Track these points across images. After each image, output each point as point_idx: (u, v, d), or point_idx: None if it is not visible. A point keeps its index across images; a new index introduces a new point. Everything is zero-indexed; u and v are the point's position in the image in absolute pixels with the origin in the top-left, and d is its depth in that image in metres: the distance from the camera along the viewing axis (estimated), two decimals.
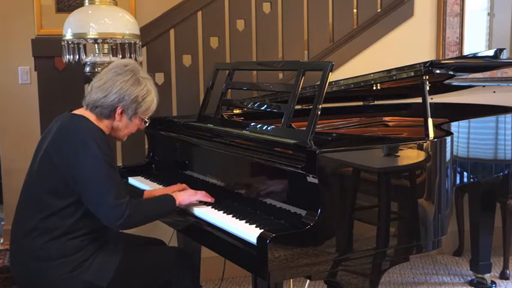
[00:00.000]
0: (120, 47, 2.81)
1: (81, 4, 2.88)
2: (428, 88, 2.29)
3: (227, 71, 2.65)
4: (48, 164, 2.01)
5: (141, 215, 2.04)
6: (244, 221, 1.95)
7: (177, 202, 2.15)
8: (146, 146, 3.09)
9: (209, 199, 2.20)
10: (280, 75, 3.54)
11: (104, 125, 2.09)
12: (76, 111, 2.11)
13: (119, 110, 2.08)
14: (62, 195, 1.99)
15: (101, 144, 1.98)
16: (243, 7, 3.41)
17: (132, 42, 2.81)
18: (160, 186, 2.53)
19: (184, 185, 2.37)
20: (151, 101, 2.15)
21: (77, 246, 2.00)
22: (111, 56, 2.81)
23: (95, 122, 2.06)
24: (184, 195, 2.19)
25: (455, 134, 2.31)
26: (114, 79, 2.06)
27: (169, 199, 2.16)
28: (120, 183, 2.03)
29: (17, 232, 2.07)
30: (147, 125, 2.21)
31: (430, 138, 2.13)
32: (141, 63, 3.04)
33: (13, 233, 2.10)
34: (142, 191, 2.44)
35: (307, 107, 2.85)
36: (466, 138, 2.68)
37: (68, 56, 2.75)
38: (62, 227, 1.99)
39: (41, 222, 2.00)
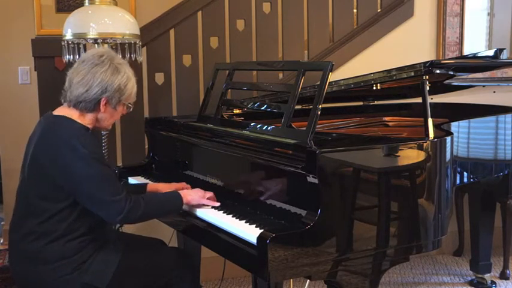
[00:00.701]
0: (120, 47, 2.81)
1: (81, 4, 2.87)
2: (428, 88, 2.29)
3: (227, 71, 2.65)
4: (38, 170, 1.99)
5: (144, 210, 2.01)
6: (244, 221, 1.95)
7: (185, 201, 2.12)
8: (146, 146, 3.09)
9: (216, 204, 2.16)
10: (280, 75, 3.54)
11: (87, 119, 2.06)
12: (58, 111, 2.08)
13: (103, 102, 2.04)
14: (56, 199, 1.97)
15: (87, 143, 1.96)
16: (243, 7, 3.40)
17: (132, 42, 2.81)
18: None
19: (187, 186, 2.36)
20: (132, 86, 2.12)
21: (75, 247, 2.00)
22: None
23: (78, 120, 2.03)
24: (194, 196, 2.15)
25: (455, 134, 2.31)
26: (93, 71, 2.02)
27: (176, 196, 2.13)
28: (113, 178, 2.02)
29: (15, 236, 2.07)
30: (131, 110, 2.17)
31: (430, 138, 2.13)
32: (141, 63, 3.05)
33: (10, 237, 2.09)
34: (146, 184, 2.43)
35: (307, 107, 2.85)
36: (466, 138, 2.68)
37: (68, 56, 2.75)
38: (58, 229, 1.98)
39: (38, 227, 1.99)
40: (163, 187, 2.37)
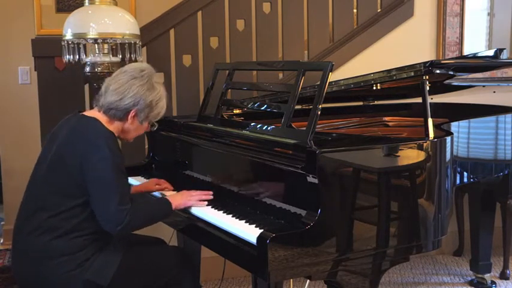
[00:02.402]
0: (120, 47, 2.81)
1: (81, 4, 2.87)
2: (428, 88, 2.29)
3: (227, 71, 2.65)
4: (60, 166, 2.01)
5: (139, 221, 2.05)
6: (244, 220, 1.95)
7: (173, 206, 2.16)
8: (146, 146, 3.09)
9: (204, 203, 2.18)
10: (280, 75, 3.54)
11: (114, 126, 2.11)
12: (87, 113, 2.13)
13: (132, 113, 2.10)
14: (72, 196, 2.00)
15: (113, 147, 2.01)
16: (243, 7, 3.40)
17: (132, 42, 2.81)
18: None
19: (162, 181, 2.43)
20: (163, 106, 2.18)
21: (79, 244, 2.01)
22: (111, 56, 2.82)
23: (105, 125, 2.07)
24: (180, 200, 2.18)
25: (455, 134, 2.31)
26: (130, 83, 2.08)
27: (165, 203, 2.16)
28: (126, 189, 2.05)
29: (20, 230, 2.07)
30: (155, 128, 2.24)
31: (430, 138, 2.13)
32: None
33: (16, 231, 2.10)
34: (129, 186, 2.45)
35: (307, 107, 2.85)
36: (466, 138, 2.68)
37: (68, 56, 2.75)
38: (66, 226, 2.00)
39: (45, 221, 2.00)
40: (145, 186, 2.46)
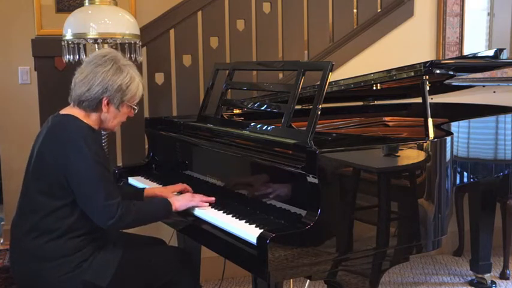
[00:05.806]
0: (120, 47, 2.81)
1: (81, 4, 2.88)
2: (428, 88, 2.29)
3: (227, 71, 2.65)
4: (42, 166, 2.01)
5: (135, 217, 2.03)
6: (244, 220, 1.95)
7: (174, 208, 2.14)
8: (146, 146, 3.09)
9: (206, 204, 2.17)
10: (280, 75, 3.54)
11: (92, 119, 2.08)
12: (65, 110, 2.10)
13: (104, 101, 2.05)
14: (57, 196, 1.99)
15: (91, 143, 1.98)
16: (243, 7, 3.41)
17: (132, 42, 2.81)
18: (161, 186, 2.53)
19: (185, 185, 2.37)
20: (137, 87, 2.12)
21: (76, 246, 2.01)
22: None
23: (83, 120, 2.05)
24: (182, 201, 2.17)
25: (455, 134, 2.31)
26: (94, 71, 2.04)
27: (165, 204, 2.15)
28: (111, 183, 2.02)
29: (16, 232, 2.07)
30: (136, 111, 2.18)
31: (430, 138, 2.13)
32: (141, 63, 3.04)
33: (12, 234, 2.10)
34: (142, 189, 2.43)
35: (307, 107, 2.85)
36: (466, 138, 2.68)
37: (68, 56, 2.76)
38: (60, 227, 1.99)
39: (39, 223, 2.00)
40: (161, 191, 2.38)
